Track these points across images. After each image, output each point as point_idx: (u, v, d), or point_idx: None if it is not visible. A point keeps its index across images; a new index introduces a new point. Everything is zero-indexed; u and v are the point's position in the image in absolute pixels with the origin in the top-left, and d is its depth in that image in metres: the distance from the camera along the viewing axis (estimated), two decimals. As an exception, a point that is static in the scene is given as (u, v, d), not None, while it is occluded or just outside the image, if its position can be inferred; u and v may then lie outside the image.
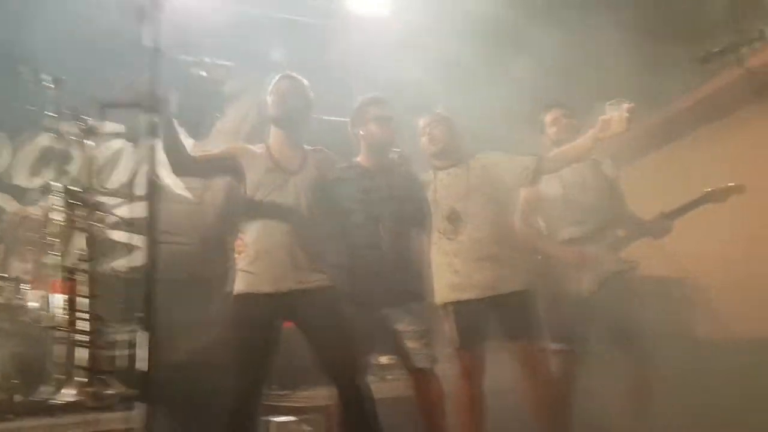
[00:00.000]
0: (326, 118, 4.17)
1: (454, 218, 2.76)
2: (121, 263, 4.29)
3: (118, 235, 4.35)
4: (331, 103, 3.21)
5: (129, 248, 4.29)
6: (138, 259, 4.21)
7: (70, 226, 3.34)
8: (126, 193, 4.54)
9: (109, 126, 4.50)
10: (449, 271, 2.75)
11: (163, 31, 1.85)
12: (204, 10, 4.53)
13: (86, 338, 3.23)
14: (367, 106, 2.85)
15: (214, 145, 4.81)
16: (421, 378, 2.68)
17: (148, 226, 1.74)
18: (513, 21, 4.23)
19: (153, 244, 1.69)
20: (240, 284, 2.53)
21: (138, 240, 4.24)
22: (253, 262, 2.50)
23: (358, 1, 4.93)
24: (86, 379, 3.19)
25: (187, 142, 4.76)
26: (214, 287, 4.28)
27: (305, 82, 2.70)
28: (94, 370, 3.21)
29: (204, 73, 4.55)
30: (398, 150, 2.85)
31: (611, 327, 2.88)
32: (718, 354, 3.90)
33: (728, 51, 2.25)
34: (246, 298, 2.50)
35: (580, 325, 2.90)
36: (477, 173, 2.83)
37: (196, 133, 4.70)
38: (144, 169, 4.48)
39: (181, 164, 2.53)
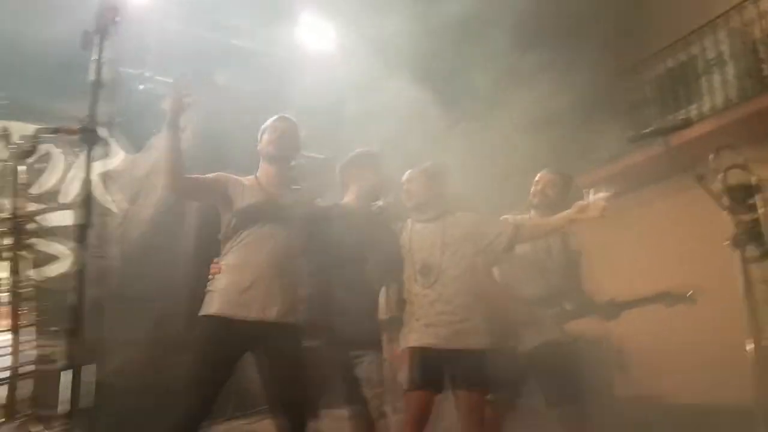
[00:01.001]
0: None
1: (425, 271, 2.84)
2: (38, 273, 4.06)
3: (38, 243, 4.15)
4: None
5: (49, 258, 4.12)
6: (57, 269, 4.06)
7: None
8: (52, 199, 4.38)
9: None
10: (414, 319, 2.83)
11: (112, 43, 1.86)
12: (158, 29, 4.58)
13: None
14: (369, 155, 3.01)
15: (145, 159, 4.81)
16: (363, 429, 2.68)
17: (78, 236, 1.72)
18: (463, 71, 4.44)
19: (82, 255, 1.67)
20: (211, 306, 2.52)
21: (60, 250, 4.13)
22: (230, 285, 2.51)
23: (307, 35, 5.06)
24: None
25: (118, 155, 4.77)
26: (137, 307, 4.22)
27: (297, 124, 2.83)
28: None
29: (142, 87, 4.59)
30: (380, 203, 2.97)
31: (544, 384, 3.00)
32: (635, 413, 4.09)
33: (656, 134, 2.46)
34: (215, 320, 2.48)
35: (513, 378, 2.99)
36: (452, 231, 2.91)
37: (129, 146, 4.68)
38: (73, 176, 4.41)
39: (178, 182, 2.55)
